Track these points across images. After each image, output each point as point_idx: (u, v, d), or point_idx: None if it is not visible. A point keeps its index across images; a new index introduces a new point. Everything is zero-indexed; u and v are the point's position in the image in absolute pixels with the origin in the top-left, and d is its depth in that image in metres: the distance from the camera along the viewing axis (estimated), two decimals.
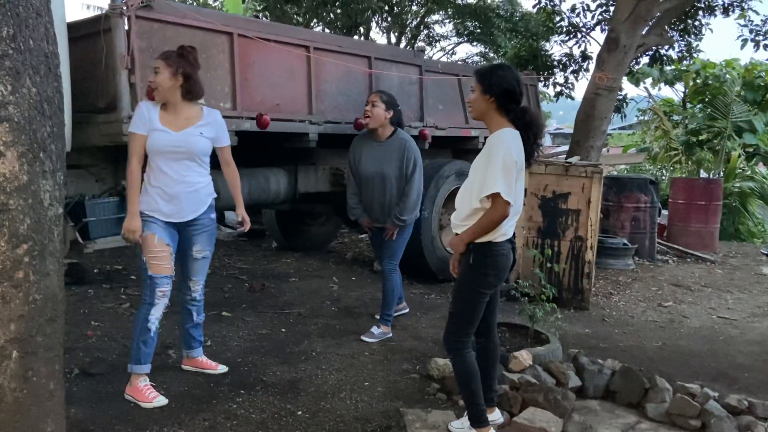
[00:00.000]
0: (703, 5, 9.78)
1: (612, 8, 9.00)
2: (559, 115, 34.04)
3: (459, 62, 14.49)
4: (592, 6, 10.19)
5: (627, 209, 7.30)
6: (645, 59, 10.41)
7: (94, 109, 3.74)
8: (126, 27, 3.61)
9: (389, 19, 14.24)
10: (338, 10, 12.40)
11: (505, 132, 2.57)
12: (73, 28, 3.62)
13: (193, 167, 3.10)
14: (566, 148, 10.16)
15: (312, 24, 12.74)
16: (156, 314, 3.09)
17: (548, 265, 5.03)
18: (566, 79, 11.33)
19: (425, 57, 6.98)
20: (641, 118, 14.80)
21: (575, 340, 4.19)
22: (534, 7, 10.88)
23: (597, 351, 4.00)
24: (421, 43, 14.75)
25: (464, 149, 6.48)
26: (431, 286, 5.55)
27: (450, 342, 2.67)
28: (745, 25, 9.86)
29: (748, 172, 11.09)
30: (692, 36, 10.20)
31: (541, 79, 10.74)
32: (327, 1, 11.79)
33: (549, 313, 3.79)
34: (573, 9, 10.40)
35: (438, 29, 15.91)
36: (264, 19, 11.59)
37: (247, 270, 6.11)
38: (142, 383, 3.05)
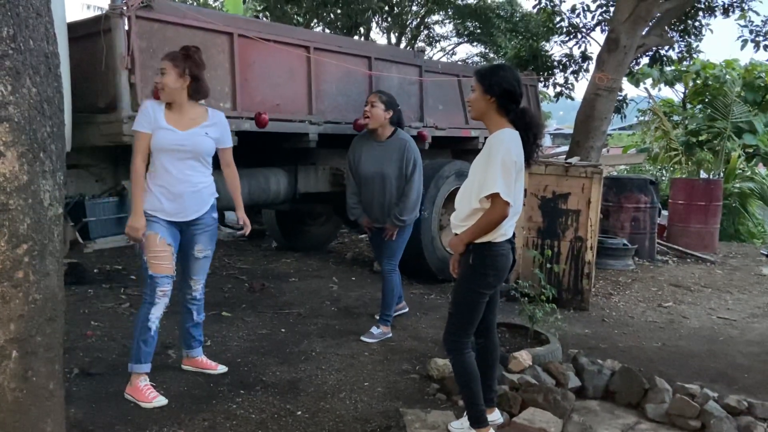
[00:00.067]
0: (703, 6, 9.79)
1: (612, 9, 9.01)
2: (559, 116, 34.05)
3: (459, 63, 14.50)
4: (592, 6, 10.21)
5: (627, 210, 7.30)
6: (645, 60, 10.43)
7: (94, 109, 3.74)
8: (126, 27, 3.62)
9: (389, 19, 14.25)
10: (338, 11, 12.41)
11: (505, 132, 2.57)
12: (73, 28, 3.62)
13: (197, 167, 3.11)
14: (566, 148, 10.16)
15: (312, 24, 12.74)
16: (156, 314, 3.09)
17: (548, 265, 5.03)
18: (566, 79, 11.36)
19: (425, 57, 6.98)
20: (641, 118, 14.81)
21: (575, 341, 4.19)
22: (534, 7, 10.90)
23: (597, 351, 4.00)
24: (421, 44, 14.76)
25: (464, 149, 6.48)
26: (431, 287, 5.55)
27: (449, 342, 2.67)
28: (746, 26, 9.88)
29: (748, 173, 11.08)
30: (692, 36, 10.22)
31: (541, 79, 10.75)
32: (327, 1, 11.79)
33: (549, 314, 3.80)
34: (573, 9, 10.42)
35: (438, 29, 15.95)
36: (264, 19, 11.59)
37: (247, 270, 6.11)
38: (143, 383, 3.06)
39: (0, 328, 1.68)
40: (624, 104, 11.20)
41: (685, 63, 11.65)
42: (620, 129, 20.92)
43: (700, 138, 11.36)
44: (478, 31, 13.91)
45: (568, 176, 5.16)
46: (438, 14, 14.93)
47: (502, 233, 2.58)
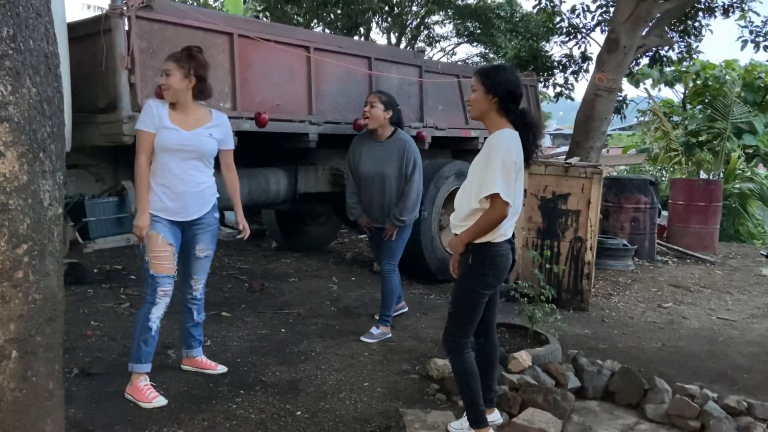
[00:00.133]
0: (703, 6, 9.79)
1: (612, 9, 9.01)
2: (559, 116, 34.09)
3: (459, 63, 14.50)
4: (592, 7, 10.21)
5: (627, 210, 7.30)
6: (645, 60, 10.43)
7: (94, 109, 3.74)
8: (126, 27, 3.61)
9: (389, 19, 14.25)
10: (338, 11, 12.42)
11: (505, 132, 2.57)
12: (73, 28, 3.62)
13: (199, 167, 3.12)
14: (566, 148, 10.16)
15: (312, 24, 12.75)
16: (157, 313, 3.09)
17: (548, 265, 5.04)
18: (566, 79, 11.37)
19: (425, 57, 6.98)
20: (641, 119, 14.82)
21: (574, 341, 4.19)
22: (534, 7, 10.89)
23: (596, 352, 4.00)
24: (421, 44, 14.77)
25: (464, 149, 6.48)
26: (431, 287, 5.55)
27: (449, 342, 2.67)
28: (746, 26, 9.87)
29: (748, 174, 11.08)
30: (692, 37, 10.21)
31: (541, 79, 10.76)
32: (327, 1, 11.80)
33: (548, 314, 3.80)
34: (573, 10, 10.42)
35: (438, 30, 15.96)
36: (264, 19, 11.60)
37: (247, 270, 6.11)
38: (143, 383, 3.06)
39: (0, 328, 1.68)
40: (624, 105, 11.20)
41: (684, 63, 11.65)
42: (620, 129, 20.93)
43: (700, 138, 11.37)
44: (478, 31, 13.92)
45: (568, 177, 5.16)
46: (438, 14, 14.93)
47: (502, 233, 2.58)
